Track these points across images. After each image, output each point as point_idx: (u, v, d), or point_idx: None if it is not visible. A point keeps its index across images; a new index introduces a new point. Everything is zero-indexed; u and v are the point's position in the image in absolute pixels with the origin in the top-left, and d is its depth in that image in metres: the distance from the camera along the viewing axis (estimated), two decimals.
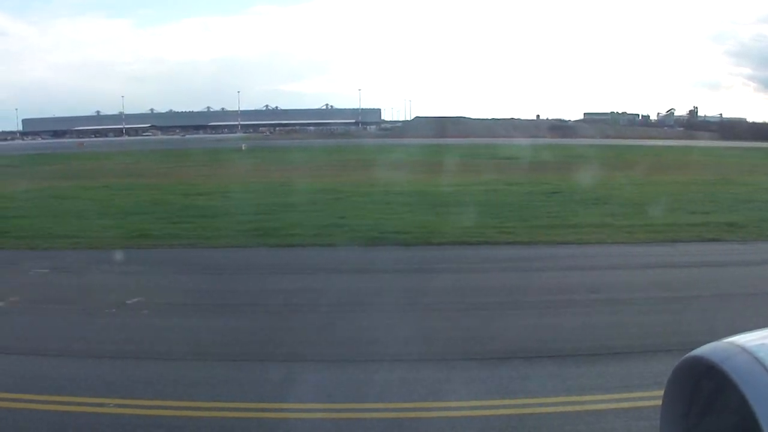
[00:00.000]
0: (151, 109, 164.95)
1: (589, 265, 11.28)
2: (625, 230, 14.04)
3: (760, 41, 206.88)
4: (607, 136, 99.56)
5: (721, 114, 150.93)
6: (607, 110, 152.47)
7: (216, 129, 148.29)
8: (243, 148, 57.73)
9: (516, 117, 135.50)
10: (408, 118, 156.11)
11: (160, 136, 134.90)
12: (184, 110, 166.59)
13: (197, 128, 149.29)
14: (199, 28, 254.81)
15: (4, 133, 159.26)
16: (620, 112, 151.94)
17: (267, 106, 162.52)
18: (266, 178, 28.16)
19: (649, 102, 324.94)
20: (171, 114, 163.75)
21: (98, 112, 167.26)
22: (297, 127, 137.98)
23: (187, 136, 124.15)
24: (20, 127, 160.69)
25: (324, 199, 19.44)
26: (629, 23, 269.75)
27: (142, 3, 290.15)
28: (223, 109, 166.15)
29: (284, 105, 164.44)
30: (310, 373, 6.31)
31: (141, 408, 5.52)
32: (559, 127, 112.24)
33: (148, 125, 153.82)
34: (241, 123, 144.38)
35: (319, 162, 40.24)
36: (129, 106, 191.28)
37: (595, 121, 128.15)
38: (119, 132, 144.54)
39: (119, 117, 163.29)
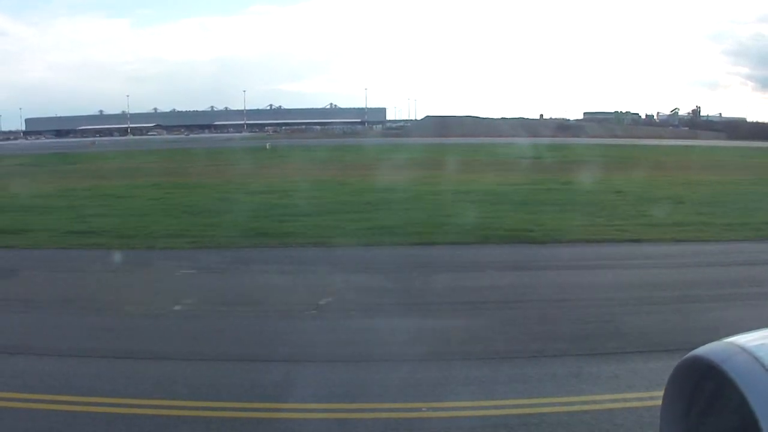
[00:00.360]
0: (155, 109, 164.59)
1: (728, 261, 11.56)
2: (727, 228, 14.34)
3: (758, 40, 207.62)
4: (616, 136, 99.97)
5: (720, 113, 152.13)
6: (604, 109, 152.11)
7: (219, 129, 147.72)
8: (267, 147, 57.85)
9: (522, 116, 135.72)
10: (412, 118, 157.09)
11: (165, 136, 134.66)
12: (187, 110, 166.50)
13: (201, 127, 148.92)
14: (198, 27, 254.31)
15: (6, 132, 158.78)
16: (624, 111, 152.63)
17: (271, 105, 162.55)
18: (316, 176, 28.19)
19: (646, 101, 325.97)
20: (174, 113, 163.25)
21: (101, 111, 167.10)
22: (303, 127, 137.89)
23: (191, 136, 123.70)
24: (23, 127, 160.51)
25: (402, 198, 19.53)
26: (626, 22, 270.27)
27: (141, 3, 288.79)
28: (226, 108, 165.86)
29: (285, 105, 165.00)
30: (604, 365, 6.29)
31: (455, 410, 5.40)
32: (566, 126, 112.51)
33: (153, 125, 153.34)
34: (247, 122, 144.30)
35: (352, 161, 40.27)
36: (130, 105, 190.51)
37: (598, 120, 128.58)
38: (124, 131, 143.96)
39: (122, 116, 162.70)
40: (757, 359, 1.24)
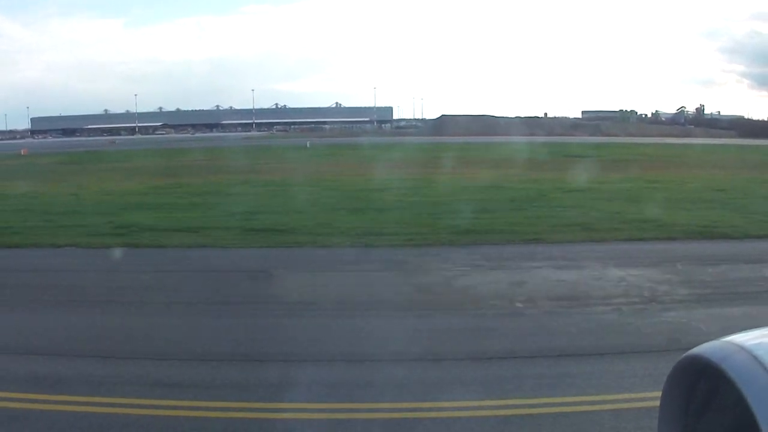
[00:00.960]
0: (160, 108, 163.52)
1: None
2: None
3: (753, 38, 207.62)
4: (632, 134, 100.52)
5: (719, 111, 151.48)
6: (601, 108, 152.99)
7: (226, 128, 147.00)
8: (308, 145, 58.18)
9: (535, 116, 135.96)
10: (417, 117, 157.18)
11: (174, 135, 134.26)
12: (191, 109, 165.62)
13: (207, 127, 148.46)
14: (195, 27, 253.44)
15: (12, 131, 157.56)
16: (629, 110, 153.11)
17: (276, 104, 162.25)
18: (425, 175, 28.09)
19: (641, 99, 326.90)
20: (179, 113, 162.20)
21: (106, 110, 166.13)
22: (312, 125, 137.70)
23: (197, 135, 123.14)
24: (29, 126, 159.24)
25: (529, 196, 19.71)
26: (620, 20, 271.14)
27: (137, 2, 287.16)
28: (231, 107, 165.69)
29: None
30: None
31: None
32: (580, 125, 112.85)
33: (160, 124, 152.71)
34: (255, 121, 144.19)
35: (414, 158, 40.02)
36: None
37: (601, 119, 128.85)
38: (131, 130, 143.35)
39: (127, 115, 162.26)
40: (755, 358, 1.23)
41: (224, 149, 58.39)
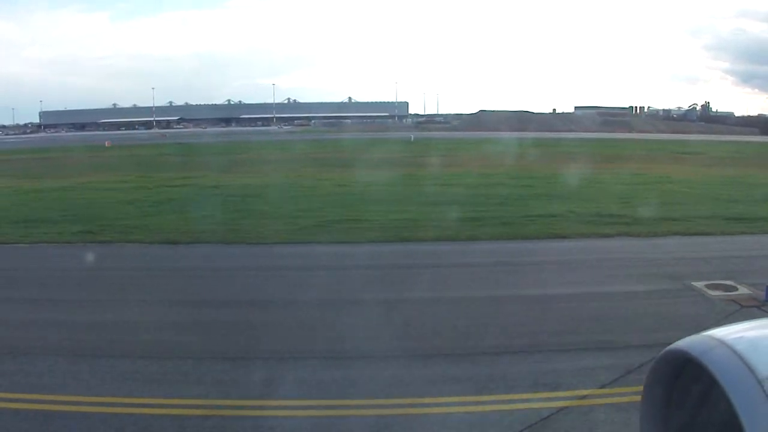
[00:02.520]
0: (170, 102, 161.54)
1: None
2: None
3: (738, 35, 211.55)
4: (661, 131, 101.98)
5: (716, 109, 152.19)
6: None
7: (244, 122, 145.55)
8: (412, 139, 58.57)
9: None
10: (436, 112, 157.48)
11: (192, 129, 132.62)
12: (203, 103, 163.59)
13: (223, 121, 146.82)
14: (194, 22, 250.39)
15: (22, 126, 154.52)
16: (638, 106, 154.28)
17: (289, 99, 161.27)
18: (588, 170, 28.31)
19: (627, 95, 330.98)
20: (190, 107, 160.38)
21: (115, 104, 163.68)
22: (333, 120, 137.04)
23: (210, 129, 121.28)
24: (39, 120, 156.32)
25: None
26: (605, 16, 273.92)
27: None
28: (240, 101, 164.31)
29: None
30: None
31: None
32: (612, 121, 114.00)
33: (177, 118, 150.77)
34: (268, 116, 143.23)
35: (537, 154, 40.07)
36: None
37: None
38: (150, 124, 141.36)
39: (134, 110, 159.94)
40: (735, 352, 1.25)
41: (323, 143, 56.74)
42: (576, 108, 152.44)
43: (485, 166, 30.77)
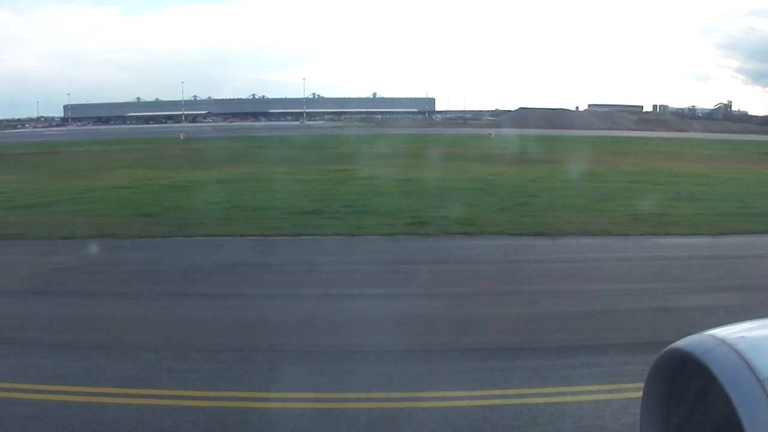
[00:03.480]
0: (194, 96, 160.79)
1: None
2: None
3: (749, 33, 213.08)
4: (698, 130, 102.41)
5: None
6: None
7: (273, 117, 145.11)
8: (492, 136, 58.54)
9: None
10: (463, 108, 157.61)
11: (221, 123, 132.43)
12: (227, 97, 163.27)
13: (251, 115, 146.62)
14: (201, 16, 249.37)
15: (46, 119, 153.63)
16: (662, 105, 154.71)
17: (314, 94, 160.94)
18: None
19: (637, 94, 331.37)
20: (210, 101, 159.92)
21: (138, 98, 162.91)
22: (364, 116, 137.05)
23: (249, 123, 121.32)
24: (62, 113, 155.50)
25: None
26: (616, 15, 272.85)
27: None
28: (263, 96, 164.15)
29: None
30: None
31: None
32: (648, 120, 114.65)
33: (205, 112, 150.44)
34: (298, 110, 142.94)
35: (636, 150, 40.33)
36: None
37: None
38: (178, 118, 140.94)
39: (156, 104, 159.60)
40: (736, 351, 1.26)
41: (409, 138, 56.32)
42: (590, 106, 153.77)
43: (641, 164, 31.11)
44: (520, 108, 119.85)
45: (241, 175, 26.12)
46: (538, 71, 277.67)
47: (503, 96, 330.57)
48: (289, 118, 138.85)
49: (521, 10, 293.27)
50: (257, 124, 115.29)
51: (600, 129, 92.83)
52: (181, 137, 59.49)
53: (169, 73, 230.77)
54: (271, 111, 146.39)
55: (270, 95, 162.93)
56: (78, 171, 28.69)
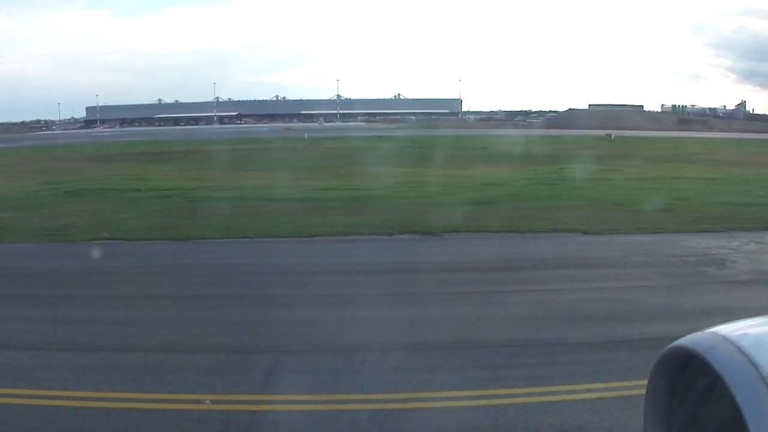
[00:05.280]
0: (217, 98, 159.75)
1: None
2: None
3: (740, 33, 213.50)
4: (738, 130, 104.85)
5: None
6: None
7: (304, 118, 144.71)
8: (612, 137, 59.33)
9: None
10: (489, 109, 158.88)
11: (253, 125, 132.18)
12: (249, 99, 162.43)
13: (279, 117, 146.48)
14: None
15: (65, 122, 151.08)
16: (681, 105, 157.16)
17: (338, 96, 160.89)
18: None
19: (629, 93, 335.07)
20: (231, 102, 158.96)
21: (160, 100, 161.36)
22: (397, 116, 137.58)
23: (290, 124, 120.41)
24: (84, 115, 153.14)
25: None
26: (607, 14, 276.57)
27: None
28: (284, 98, 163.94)
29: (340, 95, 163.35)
30: None
31: None
32: (686, 120, 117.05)
33: (236, 113, 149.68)
34: (332, 111, 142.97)
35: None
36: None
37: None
38: (210, 120, 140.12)
39: (177, 105, 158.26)
40: (740, 349, 1.25)
41: (508, 139, 56.89)
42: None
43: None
44: (569, 109, 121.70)
45: (538, 173, 26.81)
46: (538, 71, 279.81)
47: (500, 97, 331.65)
48: (322, 119, 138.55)
49: (511, 14, 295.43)
50: (310, 125, 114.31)
51: (653, 130, 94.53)
52: (284, 131, 59.80)
53: (191, 74, 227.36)
54: (302, 112, 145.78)
55: (291, 97, 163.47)
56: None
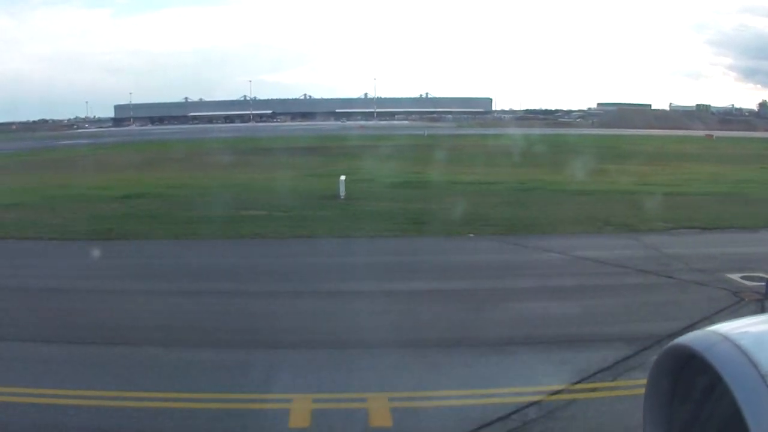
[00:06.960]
0: (244, 96, 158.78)
1: None
2: None
3: (741, 31, 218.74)
4: None
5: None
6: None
7: (317, 116, 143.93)
8: (713, 138, 60.10)
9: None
10: (515, 108, 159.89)
11: (289, 123, 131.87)
12: (277, 98, 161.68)
13: (302, 115, 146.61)
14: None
15: (95, 120, 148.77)
16: (704, 104, 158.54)
17: (366, 94, 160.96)
18: None
19: (629, 91, 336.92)
20: (257, 101, 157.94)
21: (186, 98, 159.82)
22: (435, 116, 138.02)
23: (346, 123, 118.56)
24: (113, 114, 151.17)
25: None
26: (607, 12, 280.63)
27: None
28: (309, 96, 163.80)
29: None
30: None
31: None
32: (729, 120, 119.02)
33: (270, 111, 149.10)
34: (369, 110, 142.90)
35: None
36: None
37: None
38: (246, 118, 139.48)
39: (201, 104, 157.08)
40: (739, 348, 1.25)
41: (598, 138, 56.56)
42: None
43: None
44: (619, 107, 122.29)
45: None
46: (537, 72, 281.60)
47: (513, 97, 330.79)
48: (359, 117, 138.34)
49: (511, 14, 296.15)
50: (367, 123, 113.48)
51: (695, 129, 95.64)
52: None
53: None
54: (338, 111, 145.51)
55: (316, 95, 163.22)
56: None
